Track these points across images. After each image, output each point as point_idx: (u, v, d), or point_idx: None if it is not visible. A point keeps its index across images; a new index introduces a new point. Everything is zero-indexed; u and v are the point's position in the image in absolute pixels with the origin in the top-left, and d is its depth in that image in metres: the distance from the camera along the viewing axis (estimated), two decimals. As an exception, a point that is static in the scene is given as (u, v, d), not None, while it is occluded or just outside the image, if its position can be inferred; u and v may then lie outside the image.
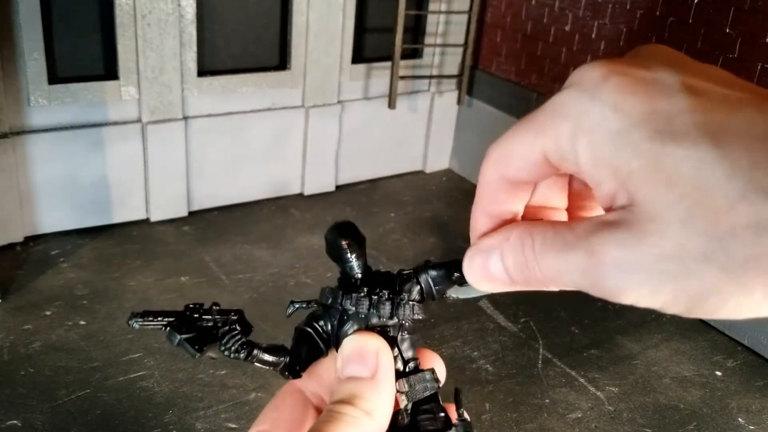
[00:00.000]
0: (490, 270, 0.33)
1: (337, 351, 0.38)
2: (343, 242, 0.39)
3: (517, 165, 0.32)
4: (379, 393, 0.36)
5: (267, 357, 0.38)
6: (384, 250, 2.92)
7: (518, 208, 0.35)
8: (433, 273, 0.39)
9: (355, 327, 0.38)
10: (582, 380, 2.27)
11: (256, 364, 0.38)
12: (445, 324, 2.48)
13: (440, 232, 3.16)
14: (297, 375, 0.39)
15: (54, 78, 2.62)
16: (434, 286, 0.39)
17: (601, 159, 0.27)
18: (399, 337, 0.38)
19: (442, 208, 3.39)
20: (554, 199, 0.36)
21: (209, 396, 2.04)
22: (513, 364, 2.32)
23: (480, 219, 0.35)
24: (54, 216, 2.78)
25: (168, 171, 2.94)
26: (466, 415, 0.38)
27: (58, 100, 2.64)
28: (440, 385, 0.39)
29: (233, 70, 3.01)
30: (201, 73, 2.91)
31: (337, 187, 3.46)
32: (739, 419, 2.15)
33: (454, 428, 0.38)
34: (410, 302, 0.39)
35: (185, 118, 2.93)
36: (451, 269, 0.38)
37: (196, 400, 2.03)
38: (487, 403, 2.14)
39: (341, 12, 3.11)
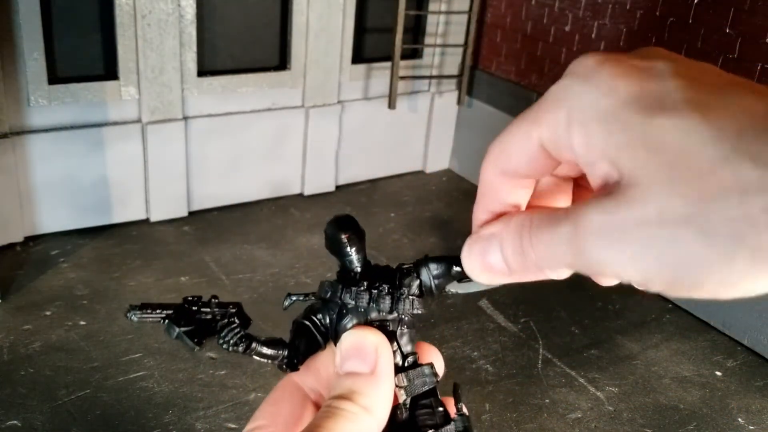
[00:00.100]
0: (488, 259, 0.33)
1: (335, 345, 0.38)
2: (343, 236, 0.39)
3: (516, 158, 0.32)
4: (378, 389, 0.36)
5: (265, 350, 0.38)
6: (384, 250, 2.91)
7: (520, 202, 0.34)
8: (433, 268, 0.39)
9: (355, 321, 0.38)
10: (582, 380, 2.27)
11: (254, 357, 0.38)
12: (445, 324, 2.48)
13: (440, 232, 3.16)
14: (295, 368, 0.39)
15: (54, 78, 2.62)
16: (434, 280, 0.39)
17: (593, 139, 0.28)
18: (398, 332, 0.38)
19: (442, 208, 3.39)
20: (559, 203, 0.36)
21: (209, 396, 2.04)
22: (513, 364, 2.32)
23: (481, 216, 0.35)
24: (54, 216, 2.77)
25: (168, 171, 2.94)
26: (465, 410, 0.38)
27: (58, 100, 2.64)
28: (439, 380, 0.39)
29: (233, 70, 3.01)
30: (201, 73, 2.91)
31: (337, 187, 3.46)
32: (739, 419, 2.15)
33: (452, 423, 0.38)
34: (410, 297, 0.38)
35: (185, 118, 2.93)
36: (451, 264, 0.38)
37: (195, 400, 2.03)
38: (487, 404, 2.14)
39: (341, 12, 3.11)
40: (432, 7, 3.40)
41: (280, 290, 2.58)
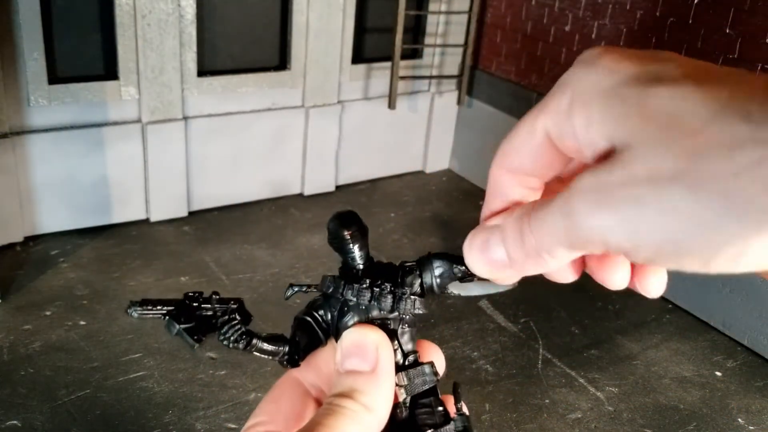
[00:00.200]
0: (489, 248, 0.33)
1: (336, 341, 0.38)
2: (346, 233, 0.38)
3: (521, 154, 0.32)
4: (378, 387, 0.36)
5: (266, 346, 0.38)
6: (384, 250, 2.91)
7: (527, 199, 0.34)
8: (435, 266, 0.39)
9: (356, 318, 0.38)
10: (582, 380, 2.27)
11: (255, 353, 0.38)
12: (445, 324, 2.48)
13: (440, 232, 3.16)
14: (296, 364, 0.39)
15: (54, 78, 2.62)
16: (436, 279, 0.39)
17: (592, 116, 0.28)
18: (399, 330, 0.38)
19: (442, 208, 3.39)
20: None
21: (209, 396, 2.04)
22: (513, 365, 2.32)
23: (488, 216, 0.35)
24: (54, 216, 2.78)
25: (168, 171, 2.94)
26: (464, 409, 0.38)
27: (58, 100, 2.64)
28: (439, 379, 0.39)
29: (233, 70, 3.01)
30: (201, 73, 2.91)
31: (337, 187, 3.46)
32: (739, 419, 2.15)
33: (452, 422, 0.38)
34: (411, 296, 0.38)
35: (185, 118, 2.93)
36: (454, 263, 0.38)
37: (195, 400, 2.03)
38: (487, 404, 2.14)
39: (341, 12, 3.11)
40: (432, 7, 3.40)
41: (280, 290, 2.58)
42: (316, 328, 0.39)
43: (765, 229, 0.24)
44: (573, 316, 2.59)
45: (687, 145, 0.25)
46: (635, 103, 0.27)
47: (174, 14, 2.73)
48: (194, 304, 0.38)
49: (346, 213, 0.39)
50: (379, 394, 0.35)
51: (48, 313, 2.34)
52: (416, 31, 3.49)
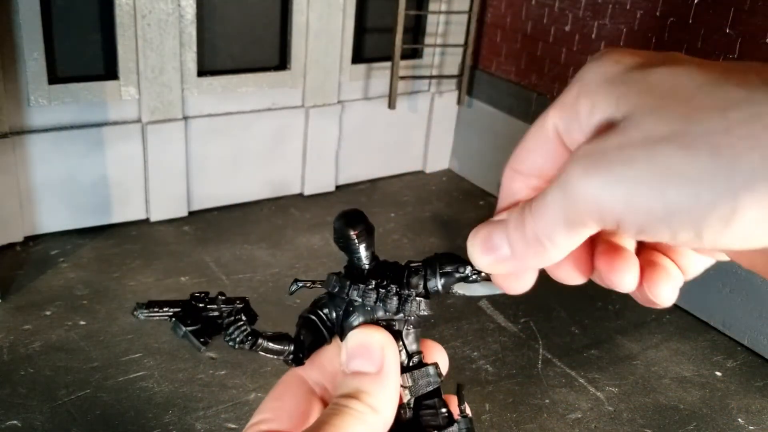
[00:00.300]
0: (492, 242, 0.33)
1: (341, 340, 0.38)
2: (352, 233, 0.38)
3: (532, 153, 0.32)
4: (384, 389, 0.36)
5: (271, 346, 0.38)
6: (384, 250, 2.90)
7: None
8: (441, 268, 0.38)
9: (361, 319, 0.38)
10: (582, 380, 2.27)
11: (260, 352, 0.38)
12: (445, 324, 2.48)
13: (440, 232, 3.16)
14: (300, 362, 0.39)
15: (54, 78, 2.62)
16: (441, 281, 0.38)
17: (597, 102, 0.28)
18: (404, 331, 0.38)
19: (442, 208, 3.39)
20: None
21: (209, 396, 2.04)
22: (513, 365, 2.32)
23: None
24: (54, 216, 2.77)
25: (168, 171, 2.94)
26: (468, 411, 0.38)
27: (58, 100, 2.64)
28: (443, 379, 0.39)
29: (233, 70, 3.01)
30: (201, 73, 2.91)
31: (337, 187, 3.46)
32: (739, 419, 2.15)
33: (456, 425, 0.38)
34: (417, 298, 0.38)
35: (185, 118, 2.93)
36: (459, 264, 0.38)
37: (195, 400, 2.03)
38: (487, 404, 2.14)
39: (341, 12, 3.11)
40: (432, 7, 3.40)
41: (280, 290, 2.58)
42: (321, 327, 0.39)
43: (753, 187, 0.24)
44: (573, 316, 2.59)
45: (683, 110, 0.25)
46: (636, 82, 0.27)
47: (174, 14, 2.73)
48: (200, 305, 0.38)
49: (352, 212, 0.39)
50: (384, 395, 0.35)
51: (48, 313, 2.34)
52: (416, 31, 3.49)
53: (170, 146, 2.90)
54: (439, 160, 3.77)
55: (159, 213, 2.98)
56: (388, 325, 0.37)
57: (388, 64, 3.24)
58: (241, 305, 0.38)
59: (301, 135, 3.26)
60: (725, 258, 0.33)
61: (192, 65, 2.86)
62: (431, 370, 0.38)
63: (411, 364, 0.38)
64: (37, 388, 2.01)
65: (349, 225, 0.38)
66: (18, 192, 2.65)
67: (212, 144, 3.03)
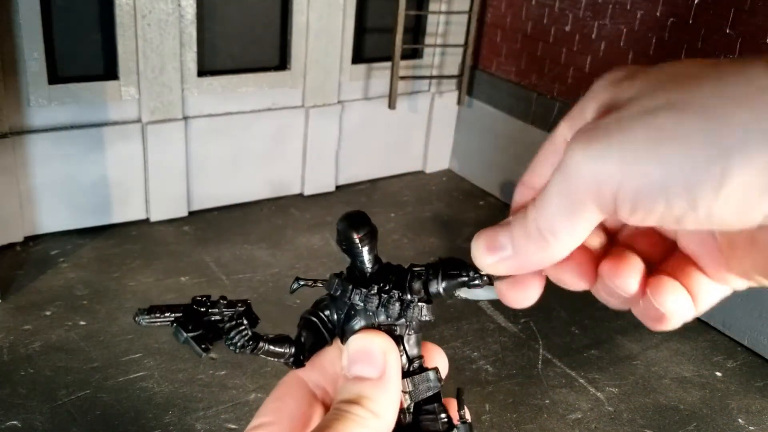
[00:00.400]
0: (497, 240, 0.33)
1: (342, 343, 0.38)
2: (356, 236, 0.38)
3: (543, 166, 0.33)
4: (386, 394, 0.36)
5: (272, 348, 0.38)
6: (384, 250, 2.89)
7: None
8: (444, 274, 0.38)
9: (362, 323, 0.37)
10: (582, 381, 2.27)
11: (261, 356, 0.38)
12: (445, 324, 2.48)
13: (440, 232, 3.16)
14: (301, 364, 0.39)
15: (54, 78, 2.62)
16: (442, 284, 0.38)
17: (602, 100, 0.29)
18: (405, 336, 0.38)
19: (442, 208, 3.39)
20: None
21: (209, 396, 2.04)
22: (513, 365, 2.32)
23: None
24: (54, 216, 2.77)
25: (168, 171, 2.93)
26: (467, 417, 0.38)
27: (58, 100, 2.64)
28: (443, 383, 0.38)
29: (233, 70, 3.01)
30: (201, 73, 2.91)
31: (337, 187, 3.46)
32: (739, 420, 2.15)
33: (455, 430, 0.37)
34: (419, 303, 0.38)
35: (185, 118, 2.93)
36: (463, 270, 0.38)
37: (195, 400, 2.03)
38: (487, 404, 2.14)
39: (341, 12, 3.11)
40: (432, 7, 3.40)
41: (280, 290, 2.58)
42: (322, 329, 0.39)
43: (744, 145, 0.24)
44: (573, 316, 2.59)
45: (681, 85, 0.26)
46: (640, 75, 0.28)
47: (174, 14, 2.73)
48: (202, 309, 0.37)
49: (355, 214, 0.38)
50: (386, 400, 0.35)
51: (48, 313, 2.34)
52: (416, 31, 3.49)
53: (170, 146, 2.90)
54: (439, 160, 3.77)
55: (159, 213, 2.98)
56: (389, 330, 0.37)
57: (388, 64, 3.23)
58: (242, 308, 0.38)
59: (301, 135, 3.26)
60: (741, 285, 0.32)
61: (192, 65, 2.86)
62: (431, 375, 0.38)
63: (411, 368, 0.38)
64: (37, 389, 2.01)
65: (352, 228, 0.38)
66: (18, 192, 2.65)
67: (212, 144, 3.03)
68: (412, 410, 0.37)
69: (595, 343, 2.46)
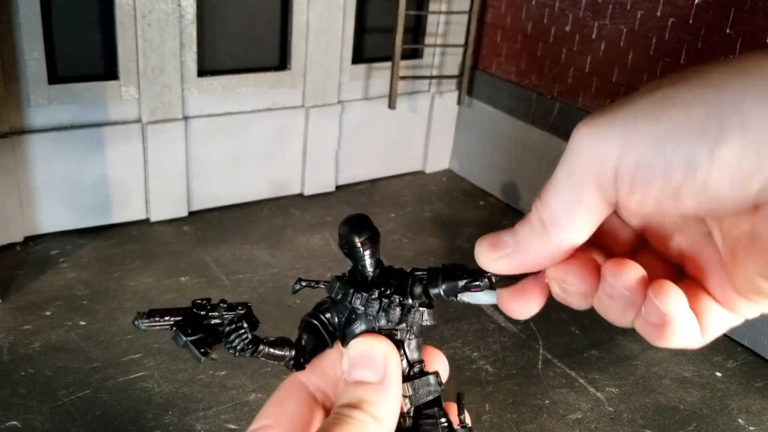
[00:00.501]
0: (500, 239, 0.33)
1: (342, 346, 0.38)
2: (357, 240, 0.38)
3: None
4: (387, 398, 0.36)
5: (272, 351, 0.38)
6: (384, 251, 2.88)
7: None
8: (445, 280, 0.38)
9: (363, 327, 0.37)
10: (582, 381, 2.27)
11: (261, 359, 0.38)
12: (445, 325, 2.48)
13: (440, 232, 3.16)
14: (301, 367, 0.39)
15: (54, 78, 2.62)
16: (443, 286, 0.38)
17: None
18: (406, 341, 0.38)
19: (442, 208, 3.39)
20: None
21: (209, 397, 2.04)
22: (513, 365, 2.32)
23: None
24: (54, 216, 2.77)
25: (168, 171, 2.93)
26: (467, 421, 0.38)
27: (58, 100, 2.64)
28: (443, 387, 0.38)
29: (233, 70, 3.01)
30: (201, 73, 2.91)
31: (337, 187, 3.46)
32: (739, 420, 2.15)
33: None
34: (420, 308, 0.38)
35: (185, 118, 2.93)
36: (465, 276, 0.38)
37: (195, 400, 2.03)
38: (487, 404, 2.13)
39: (341, 12, 3.11)
40: (432, 7, 3.39)
41: (281, 290, 2.58)
42: (323, 331, 0.39)
43: (739, 106, 0.25)
44: (573, 316, 2.59)
45: (684, 72, 0.28)
46: (658, 82, 0.29)
47: (174, 14, 2.73)
48: (201, 313, 0.37)
49: (357, 218, 0.38)
50: (387, 404, 0.35)
51: (48, 313, 2.34)
52: (416, 31, 3.49)
53: (170, 146, 2.90)
54: (439, 161, 3.77)
55: (159, 213, 2.98)
56: (390, 334, 0.37)
57: (388, 64, 3.23)
58: (242, 311, 0.38)
59: (301, 135, 3.26)
60: (751, 312, 0.33)
61: (192, 65, 2.86)
62: (432, 379, 0.38)
63: (412, 373, 0.38)
64: (37, 389, 2.01)
65: (354, 232, 0.38)
66: (18, 192, 2.65)
67: (212, 144, 3.03)
68: (412, 414, 0.37)
69: (595, 344, 2.46)
